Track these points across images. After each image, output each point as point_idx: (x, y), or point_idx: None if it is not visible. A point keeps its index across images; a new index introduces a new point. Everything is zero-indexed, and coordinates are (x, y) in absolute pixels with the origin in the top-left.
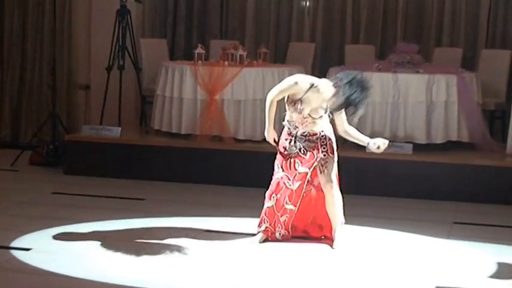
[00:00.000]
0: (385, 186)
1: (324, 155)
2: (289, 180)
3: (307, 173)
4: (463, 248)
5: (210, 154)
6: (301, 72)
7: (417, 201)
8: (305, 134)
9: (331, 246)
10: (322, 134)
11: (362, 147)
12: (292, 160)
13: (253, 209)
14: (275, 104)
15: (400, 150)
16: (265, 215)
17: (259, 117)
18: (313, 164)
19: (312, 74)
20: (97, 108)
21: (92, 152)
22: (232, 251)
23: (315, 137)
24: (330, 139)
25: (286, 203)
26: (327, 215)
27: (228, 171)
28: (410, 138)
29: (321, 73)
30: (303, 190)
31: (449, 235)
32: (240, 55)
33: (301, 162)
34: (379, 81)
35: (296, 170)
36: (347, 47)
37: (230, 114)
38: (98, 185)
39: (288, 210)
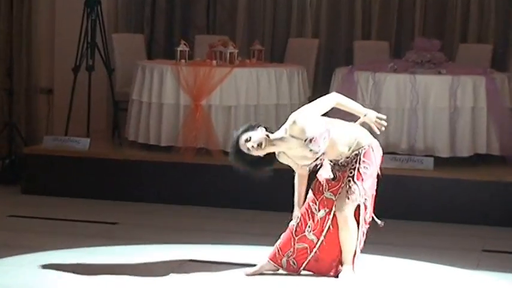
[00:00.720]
0: (402, 208)
1: (349, 181)
2: (316, 204)
3: (333, 201)
4: (494, 280)
5: (195, 170)
6: (302, 74)
7: (440, 225)
8: (332, 161)
9: (336, 275)
10: (352, 154)
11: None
12: (321, 181)
13: (245, 235)
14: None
15: (419, 165)
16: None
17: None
18: (338, 189)
19: (316, 75)
20: (61, 115)
21: (55, 168)
22: (221, 286)
23: (342, 161)
24: (362, 160)
25: (308, 231)
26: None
27: (217, 190)
28: (431, 151)
29: (325, 74)
30: (328, 221)
31: (478, 265)
32: (230, 53)
33: (329, 186)
34: (394, 84)
35: (323, 194)
36: (356, 44)
37: (219, 122)
38: (62, 206)
39: (308, 240)
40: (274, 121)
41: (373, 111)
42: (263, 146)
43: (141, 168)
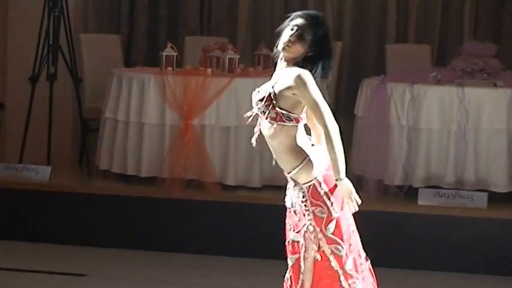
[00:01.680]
0: (448, 257)
1: (311, 224)
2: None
3: (300, 244)
4: None
5: (184, 208)
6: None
7: (496, 279)
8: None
9: None
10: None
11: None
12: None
13: None
14: None
15: (469, 203)
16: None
17: (259, 152)
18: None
19: (338, 88)
20: (15, 137)
21: (7, 204)
22: None
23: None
24: (317, 190)
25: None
26: None
27: (211, 234)
28: (484, 185)
29: (350, 86)
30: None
31: None
32: (230, 59)
33: (295, 226)
34: (438, 99)
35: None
36: (389, 48)
37: (215, 147)
38: (17, 252)
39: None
40: None
41: (349, 186)
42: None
43: (115, 205)
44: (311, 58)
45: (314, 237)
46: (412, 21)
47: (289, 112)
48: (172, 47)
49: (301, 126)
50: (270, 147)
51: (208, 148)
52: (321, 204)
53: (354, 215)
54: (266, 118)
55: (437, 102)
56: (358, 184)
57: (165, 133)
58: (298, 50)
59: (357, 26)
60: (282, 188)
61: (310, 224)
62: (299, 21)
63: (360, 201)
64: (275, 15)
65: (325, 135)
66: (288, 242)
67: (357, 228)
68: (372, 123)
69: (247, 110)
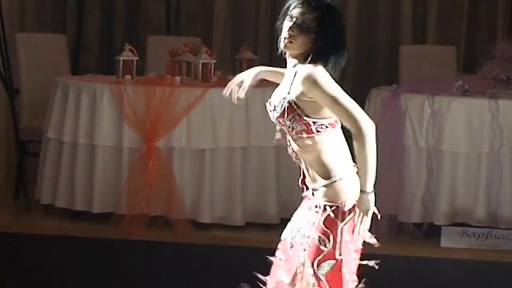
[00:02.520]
0: None
1: (303, 261)
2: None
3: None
4: None
5: (147, 252)
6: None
7: None
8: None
9: None
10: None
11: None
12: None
13: None
14: None
15: (504, 244)
16: None
17: (241, 181)
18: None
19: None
20: None
21: None
22: None
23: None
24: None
25: None
26: None
27: (180, 283)
28: None
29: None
30: None
31: None
32: (204, 64)
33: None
34: (464, 114)
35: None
36: (403, 50)
37: (186, 176)
38: None
39: None
40: (274, 173)
41: (371, 204)
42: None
43: (60, 248)
44: (322, 48)
45: (303, 274)
46: (433, 17)
47: (320, 118)
48: (131, 50)
49: (338, 131)
50: (302, 160)
51: (177, 177)
52: (329, 234)
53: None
54: (297, 134)
55: (464, 118)
56: None
57: (122, 158)
58: (303, 43)
59: (363, 23)
60: (270, 227)
61: (304, 256)
62: (297, 9)
63: (368, 234)
64: (260, 9)
65: (356, 136)
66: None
67: (365, 276)
68: (383, 144)
69: (226, 128)
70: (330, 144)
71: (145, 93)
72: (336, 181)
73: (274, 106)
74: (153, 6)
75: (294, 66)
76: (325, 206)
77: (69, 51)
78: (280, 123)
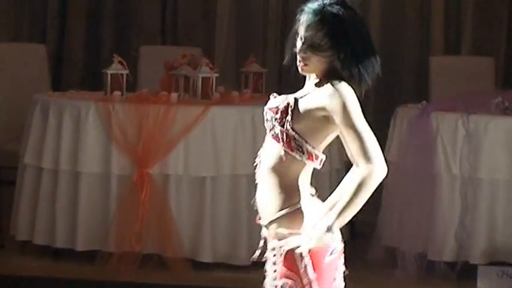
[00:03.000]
0: None
1: None
2: None
3: None
4: None
5: None
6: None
7: None
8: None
9: None
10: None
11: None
12: None
13: None
14: None
15: None
16: None
17: (247, 214)
18: None
19: (365, 116)
20: None
21: None
22: None
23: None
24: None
25: None
26: None
27: None
28: None
29: (378, 116)
30: None
31: None
32: (204, 79)
33: None
34: (505, 135)
35: None
36: (434, 62)
37: (183, 208)
38: None
39: None
40: None
41: (326, 240)
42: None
43: None
44: (344, 62)
45: None
46: (468, 24)
47: (304, 139)
48: (121, 62)
49: (310, 168)
50: (258, 180)
51: (173, 209)
52: (295, 277)
53: None
54: (272, 136)
55: (504, 141)
56: (392, 260)
57: (110, 187)
58: (320, 64)
59: (387, 31)
60: None
61: None
62: (303, 25)
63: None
64: (270, 14)
65: (360, 175)
66: None
67: None
68: (410, 171)
69: (230, 153)
70: (298, 170)
71: (137, 112)
72: (292, 209)
73: (275, 96)
74: (147, 11)
75: (315, 81)
76: (280, 247)
77: (49, 64)
78: (267, 115)
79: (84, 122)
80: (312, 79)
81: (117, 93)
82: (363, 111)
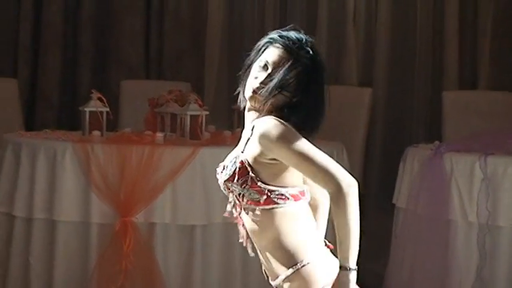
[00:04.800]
0: None
1: None
2: None
3: None
4: None
5: None
6: (340, 156)
7: None
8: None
9: None
10: None
11: None
12: None
13: None
14: None
15: None
16: None
17: (240, 266)
18: None
19: (367, 159)
20: None
21: None
22: None
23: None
24: None
25: None
26: None
27: None
28: None
29: (386, 158)
30: None
31: None
32: (193, 117)
33: None
34: None
35: None
36: (447, 97)
37: (171, 259)
38: None
39: None
40: None
41: (352, 283)
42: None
43: None
44: (295, 106)
45: None
46: (484, 57)
47: (279, 186)
48: (100, 99)
49: (304, 206)
50: (256, 246)
51: (159, 261)
52: None
53: None
54: (246, 203)
55: None
56: None
57: (90, 237)
58: (275, 100)
59: (396, 62)
60: None
61: None
62: (273, 52)
63: None
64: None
65: (333, 197)
66: None
67: None
68: (422, 218)
69: (222, 199)
70: (291, 221)
71: (118, 154)
72: (301, 267)
73: (224, 167)
74: (129, 42)
75: (253, 120)
76: None
77: (21, 101)
78: (228, 189)
79: (60, 165)
80: (250, 117)
81: (96, 133)
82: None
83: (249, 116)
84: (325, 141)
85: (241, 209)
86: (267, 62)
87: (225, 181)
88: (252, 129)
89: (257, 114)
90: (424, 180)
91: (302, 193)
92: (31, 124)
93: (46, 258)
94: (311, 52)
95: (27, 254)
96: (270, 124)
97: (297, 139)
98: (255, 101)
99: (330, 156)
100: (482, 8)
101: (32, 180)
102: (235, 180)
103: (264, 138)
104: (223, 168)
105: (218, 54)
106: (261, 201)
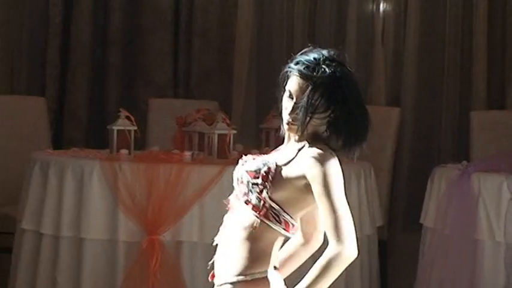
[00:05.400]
0: None
1: None
2: None
3: None
4: None
5: None
6: (367, 178)
7: None
8: None
9: None
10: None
11: None
12: None
13: None
14: None
15: None
16: None
17: None
18: None
19: (394, 179)
20: None
21: None
22: None
23: None
24: None
25: None
26: None
27: None
28: None
29: (413, 177)
30: None
31: None
32: (221, 136)
33: None
34: None
35: None
36: (476, 117)
37: (198, 278)
38: None
39: None
40: None
41: None
42: None
43: None
44: (334, 124)
45: None
46: None
47: (282, 209)
48: (128, 117)
49: (282, 238)
50: (227, 236)
51: (187, 279)
52: None
53: None
54: (246, 203)
55: None
56: None
57: (117, 255)
58: (310, 125)
59: (425, 83)
60: None
61: None
62: (292, 82)
63: None
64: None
65: (328, 254)
66: None
67: None
68: (449, 238)
69: None
70: (270, 240)
71: (146, 173)
72: (260, 277)
73: (253, 159)
74: (157, 60)
75: (298, 143)
76: None
77: (49, 119)
78: (241, 178)
79: (87, 183)
80: (292, 141)
81: (124, 151)
82: (397, 170)
83: (292, 142)
84: (352, 161)
85: (239, 200)
86: (290, 92)
87: (247, 170)
88: (298, 152)
89: (297, 137)
90: (451, 200)
91: (293, 227)
92: (59, 142)
93: (73, 276)
94: (327, 69)
95: (54, 271)
96: (328, 158)
97: (340, 186)
98: (292, 132)
99: (358, 176)
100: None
101: (59, 198)
102: (254, 178)
103: (320, 168)
104: (251, 160)
105: (246, 74)
106: (259, 211)
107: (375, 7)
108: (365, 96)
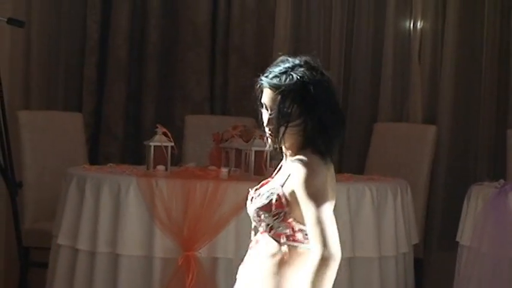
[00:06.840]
0: None
1: None
2: None
3: None
4: None
5: None
6: (404, 195)
7: None
8: None
9: None
10: None
11: None
12: None
13: None
14: None
15: None
16: None
17: None
18: None
19: (430, 196)
20: None
21: None
22: None
23: None
24: None
25: None
26: None
27: None
28: None
29: (449, 195)
30: None
31: None
32: (257, 153)
33: None
34: None
35: None
36: (511, 134)
37: None
38: None
39: None
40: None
41: None
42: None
43: None
44: (311, 129)
45: None
46: None
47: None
48: (165, 133)
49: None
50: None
51: None
52: None
53: None
54: (273, 236)
55: None
56: None
57: (153, 271)
58: (289, 135)
59: (461, 100)
60: None
61: None
62: (264, 94)
63: None
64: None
65: (316, 260)
66: None
67: None
68: (486, 256)
69: None
70: (299, 262)
71: (182, 189)
72: None
73: (259, 194)
74: (194, 77)
75: (288, 156)
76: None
77: (86, 134)
78: (257, 216)
79: (124, 199)
80: (288, 155)
81: (160, 167)
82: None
83: (287, 156)
84: (389, 178)
85: (259, 234)
86: (264, 105)
87: (258, 208)
88: (287, 167)
89: (288, 151)
90: (488, 218)
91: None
92: (95, 157)
93: (109, 286)
94: (294, 76)
95: (90, 287)
96: (308, 164)
97: (324, 193)
98: (273, 144)
99: (394, 193)
100: None
101: (96, 213)
102: (270, 211)
103: (298, 170)
104: (258, 195)
105: None
106: (289, 237)
107: (412, 25)
108: (401, 114)
